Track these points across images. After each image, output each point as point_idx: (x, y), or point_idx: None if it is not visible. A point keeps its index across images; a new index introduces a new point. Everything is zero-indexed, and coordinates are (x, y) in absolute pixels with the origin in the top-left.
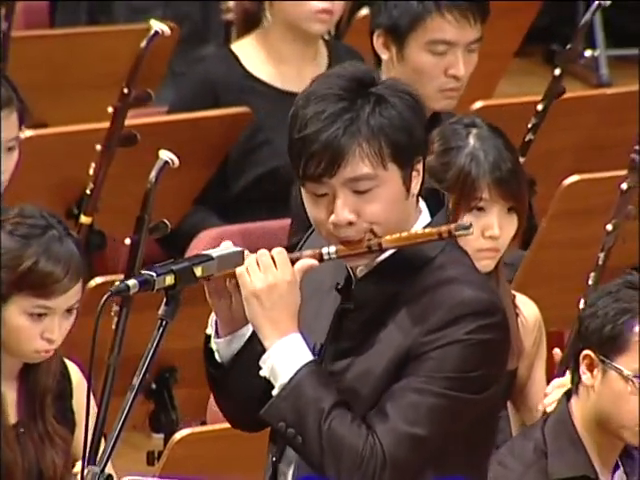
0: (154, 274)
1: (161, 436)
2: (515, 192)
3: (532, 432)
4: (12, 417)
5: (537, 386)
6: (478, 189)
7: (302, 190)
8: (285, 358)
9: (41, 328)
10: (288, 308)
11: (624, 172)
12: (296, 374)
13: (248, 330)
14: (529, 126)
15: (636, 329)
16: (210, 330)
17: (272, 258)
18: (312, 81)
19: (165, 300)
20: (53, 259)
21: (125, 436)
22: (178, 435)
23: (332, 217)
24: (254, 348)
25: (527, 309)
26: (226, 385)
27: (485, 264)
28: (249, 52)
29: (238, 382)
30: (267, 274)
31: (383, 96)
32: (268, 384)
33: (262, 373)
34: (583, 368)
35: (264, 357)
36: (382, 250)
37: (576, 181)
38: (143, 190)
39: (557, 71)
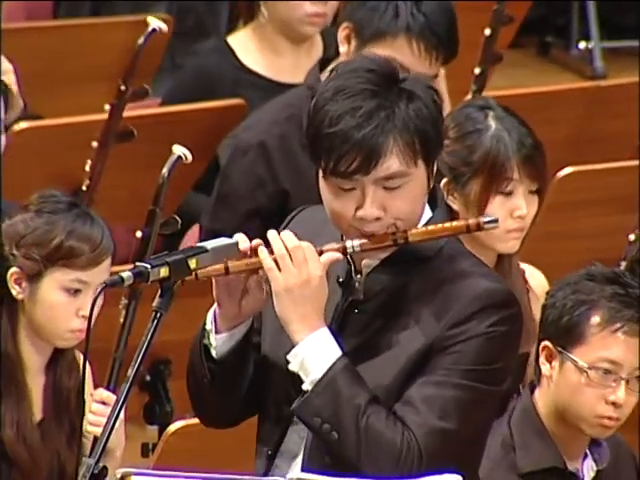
0: (148, 266)
1: (155, 428)
2: (541, 168)
3: (498, 427)
4: (37, 414)
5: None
6: (508, 169)
7: (322, 182)
8: (316, 353)
9: (77, 305)
10: (318, 303)
11: (618, 164)
12: (329, 370)
13: (246, 326)
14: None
15: (592, 321)
16: (210, 325)
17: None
18: (329, 71)
19: (159, 292)
20: (85, 232)
21: None
22: (173, 427)
23: (359, 212)
24: (247, 347)
25: (535, 281)
26: (216, 380)
27: (513, 245)
28: (244, 45)
29: (228, 378)
30: (301, 269)
31: (414, 92)
32: (255, 384)
33: (291, 367)
34: (542, 359)
35: (293, 352)
36: (407, 243)
37: (570, 173)
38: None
39: (487, 31)
